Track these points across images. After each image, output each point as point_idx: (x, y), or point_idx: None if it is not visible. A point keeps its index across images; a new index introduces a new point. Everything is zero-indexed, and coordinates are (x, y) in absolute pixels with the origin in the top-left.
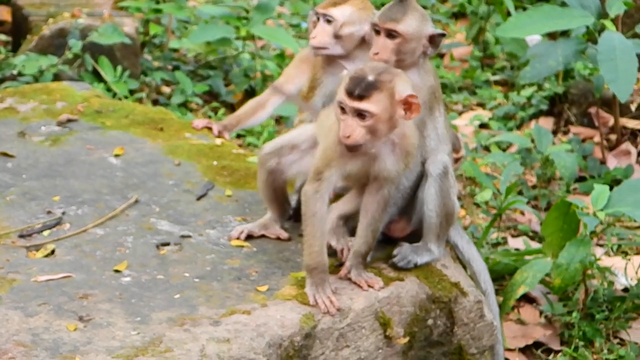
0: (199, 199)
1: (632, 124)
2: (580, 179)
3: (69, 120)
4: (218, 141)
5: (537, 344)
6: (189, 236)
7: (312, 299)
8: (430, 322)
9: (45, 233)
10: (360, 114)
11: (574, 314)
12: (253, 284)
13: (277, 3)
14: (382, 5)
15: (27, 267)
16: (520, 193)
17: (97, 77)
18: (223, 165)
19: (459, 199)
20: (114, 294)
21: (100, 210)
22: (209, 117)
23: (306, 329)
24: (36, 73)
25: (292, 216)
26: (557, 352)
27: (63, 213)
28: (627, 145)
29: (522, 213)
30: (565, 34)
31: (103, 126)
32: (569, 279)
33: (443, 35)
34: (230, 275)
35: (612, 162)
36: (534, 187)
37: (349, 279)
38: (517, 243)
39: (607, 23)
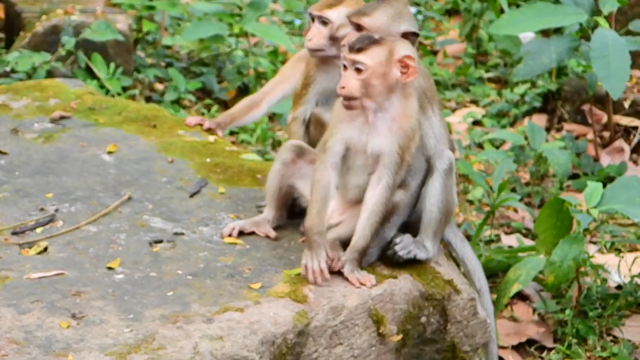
0: (192, 196)
1: (625, 121)
2: (574, 176)
3: (62, 117)
4: (211, 138)
5: (530, 342)
6: (182, 233)
7: (303, 269)
8: (423, 319)
9: (38, 230)
10: (357, 68)
11: (567, 312)
12: (246, 281)
13: (270, 0)
14: None
15: (20, 265)
16: (513, 190)
17: (90, 74)
18: (216, 163)
19: None
20: (107, 292)
21: (93, 207)
22: (202, 114)
23: (299, 327)
24: (29, 70)
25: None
26: (550, 349)
27: (56, 210)
28: (620, 143)
29: (516, 210)
30: (558, 31)
31: (96, 123)
32: (562, 276)
33: (416, 34)
34: (223, 273)
35: (606, 160)
36: (527, 184)
37: (342, 275)
38: (510, 240)
39: (601, 20)
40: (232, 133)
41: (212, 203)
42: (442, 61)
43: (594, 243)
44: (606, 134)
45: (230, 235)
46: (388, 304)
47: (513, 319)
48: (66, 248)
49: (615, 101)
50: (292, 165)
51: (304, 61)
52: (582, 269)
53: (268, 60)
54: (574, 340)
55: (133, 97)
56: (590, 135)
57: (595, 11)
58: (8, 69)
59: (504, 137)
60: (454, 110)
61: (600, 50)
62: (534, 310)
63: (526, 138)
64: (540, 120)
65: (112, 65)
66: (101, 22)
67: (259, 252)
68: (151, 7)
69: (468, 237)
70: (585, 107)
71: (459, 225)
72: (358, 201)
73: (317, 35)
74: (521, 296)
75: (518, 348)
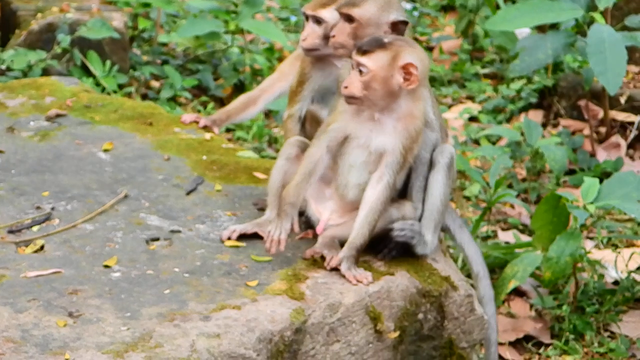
0: (188, 193)
1: (621, 116)
2: (570, 172)
3: (58, 115)
4: (207, 136)
5: (527, 338)
6: (179, 231)
7: (265, 235)
8: (420, 316)
9: (35, 228)
10: (361, 69)
11: (565, 307)
12: (243, 278)
13: None
14: None
15: (17, 263)
16: (510, 186)
17: (86, 71)
18: (212, 160)
19: None
20: (103, 290)
21: (89, 205)
22: (198, 111)
23: (296, 324)
24: (25, 68)
25: None
26: (547, 345)
27: (52, 208)
28: (616, 138)
29: (512, 206)
30: (554, 26)
31: (92, 121)
32: (559, 272)
33: (406, 23)
34: (220, 270)
35: (602, 155)
36: (523, 180)
37: (339, 272)
38: (507, 236)
39: (596, 16)
40: (228, 130)
41: (209, 200)
42: (438, 57)
43: (591, 239)
44: (602, 130)
45: (229, 239)
46: (385, 300)
47: (510, 315)
48: (62, 246)
49: (612, 97)
50: (296, 161)
51: (300, 59)
52: (579, 265)
53: (264, 57)
54: (571, 336)
55: (129, 95)
56: (586, 131)
57: (591, 7)
58: (4, 67)
59: (500, 133)
60: (450, 107)
61: (597, 45)
62: (531, 306)
63: (522, 134)
64: (536, 116)
65: (108, 62)
66: (97, 19)
67: (256, 249)
68: (147, 5)
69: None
70: (582, 102)
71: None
72: (358, 202)
73: (311, 35)
74: (518, 292)
75: (515, 344)
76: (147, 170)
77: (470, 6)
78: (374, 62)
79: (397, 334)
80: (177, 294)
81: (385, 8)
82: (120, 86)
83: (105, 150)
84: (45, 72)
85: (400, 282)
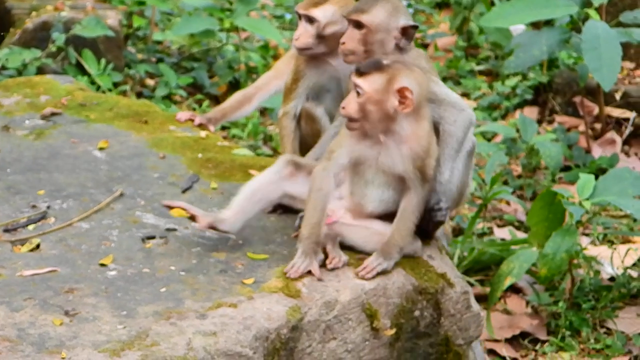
0: (184, 191)
1: (616, 112)
2: (566, 168)
3: (53, 114)
4: (203, 133)
5: (523, 334)
6: (175, 229)
7: (290, 267)
8: (417, 313)
9: (30, 227)
10: (358, 91)
11: (561, 304)
12: (239, 276)
13: None
14: None
15: (12, 262)
16: (505, 183)
17: (81, 70)
18: (208, 158)
19: None
20: (99, 288)
21: (85, 204)
22: (194, 109)
23: (293, 322)
24: (20, 66)
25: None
26: (543, 342)
27: (48, 207)
28: (612, 134)
29: (508, 203)
30: (549, 23)
31: (87, 119)
32: (555, 268)
33: (416, 27)
34: (216, 268)
35: (597, 151)
36: (519, 176)
37: (334, 270)
38: (502, 233)
39: (591, 12)
40: (223, 128)
41: (204, 198)
42: (433, 54)
43: (587, 235)
44: (598, 126)
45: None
46: (381, 298)
47: (506, 312)
48: (58, 245)
49: (607, 93)
50: (288, 179)
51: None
52: (575, 261)
53: (259, 55)
54: (568, 333)
55: (124, 93)
56: (581, 127)
57: (586, 3)
58: None
59: (495, 129)
60: None
61: (591, 42)
62: (527, 302)
63: (518, 130)
64: (531, 112)
65: (103, 61)
66: (91, 18)
67: (252, 247)
68: (141, 3)
69: (461, 230)
70: (577, 99)
71: (451, 219)
72: (376, 212)
73: (304, 34)
74: (514, 289)
75: (511, 341)
76: (143, 169)
77: (465, 3)
78: (369, 84)
79: (393, 331)
80: (173, 292)
81: (393, 13)
82: (115, 84)
83: (101, 149)
84: (40, 70)
85: (397, 279)
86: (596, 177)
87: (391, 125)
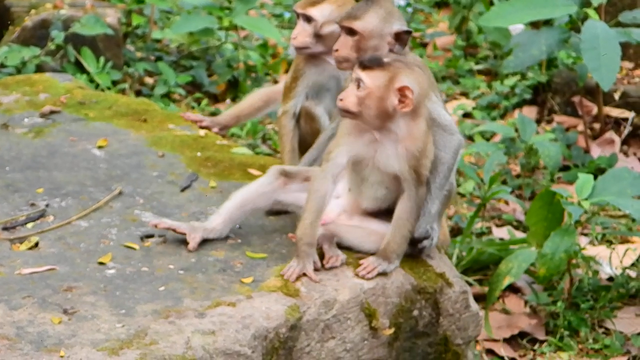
0: (183, 190)
1: (615, 112)
2: (564, 168)
3: (52, 112)
4: (202, 132)
5: (522, 334)
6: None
7: (286, 270)
8: (415, 312)
9: (29, 225)
10: (359, 84)
11: (559, 304)
12: (238, 275)
13: None
14: None
15: (11, 260)
16: (504, 182)
17: (80, 68)
18: (207, 157)
19: None
20: (98, 287)
21: (84, 202)
22: (192, 107)
23: (291, 321)
24: (19, 64)
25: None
26: (542, 341)
27: (47, 205)
28: (610, 134)
29: (507, 202)
30: (548, 22)
31: (86, 118)
32: (553, 268)
33: (409, 32)
34: (215, 267)
35: (596, 151)
36: (517, 176)
37: (333, 270)
38: (501, 233)
39: (590, 12)
40: None
41: (203, 197)
42: (432, 54)
43: (585, 235)
44: (596, 126)
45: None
46: (380, 297)
47: (505, 312)
48: (57, 243)
49: (606, 93)
50: (280, 187)
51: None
52: (574, 261)
53: (258, 54)
54: (566, 333)
55: (123, 91)
56: (580, 127)
57: (585, 2)
58: None
59: (494, 129)
60: (444, 103)
61: (591, 41)
62: (526, 302)
63: (517, 130)
64: (530, 112)
65: (102, 59)
66: (90, 16)
67: (250, 246)
68: (140, 1)
69: (459, 230)
70: (576, 98)
71: (450, 218)
72: (372, 209)
73: (302, 33)
74: (513, 288)
75: (510, 341)
76: (142, 167)
77: (464, 2)
78: (371, 79)
79: (392, 330)
80: (172, 290)
81: (387, 19)
82: (114, 82)
83: (100, 147)
84: (39, 68)
85: (395, 278)
86: (595, 177)
87: (387, 123)
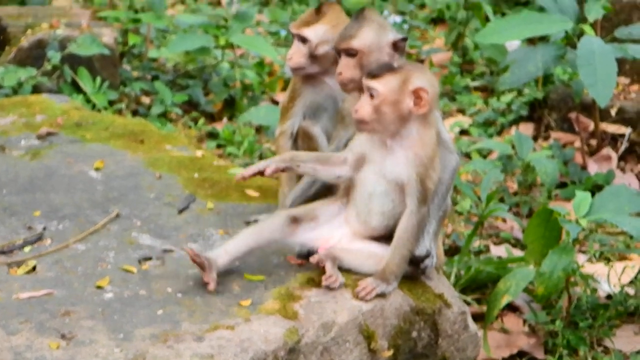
0: (180, 212)
1: (612, 128)
2: (561, 185)
3: (49, 134)
4: (199, 153)
5: (521, 353)
6: (171, 250)
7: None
8: (414, 334)
9: (27, 249)
10: (371, 93)
11: (558, 322)
12: (236, 298)
13: (255, 11)
14: None
15: (8, 284)
16: (501, 200)
17: (77, 88)
18: (204, 178)
19: None
20: (96, 311)
21: (81, 224)
22: (189, 127)
23: (290, 344)
24: (15, 85)
25: None
26: None
27: (44, 228)
28: (607, 150)
29: (504, 220)
30: (544, 39)
31: (83, 139)
32: (552, 287)
33: (405, 39)
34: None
35: (593, 168)
36: (515, 194)
37: (332, 290)
38: (499, 251)
39: (586, 28)
40: (219, 146)
41: (201, 219)
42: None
43: (583, 252)
44: (593, 142)
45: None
46: (379, 319)
47: (503, 331)
48: (55, 267)
49: (602, 109)
50: (289, 234)
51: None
52: (572, 279)
53: (254, 72)
54: (565, 351)
55: (119, 111)
56: (577, 143)
57: (581, 19)
58: None
59: (491, 146)
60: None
61: (587, 57)
62: (525, 321)
63: (513, 147)
64: (527, 128)
65: (99, 79)
66: (87, 35)
67: (248, 269)
68: (137, 20)
69: (457, 248)
70: (572, 115)
71: (447, 236)
72: (379, 229)
73: (296, 54)
74: (511, 307)
75: None
76: (139, 189)
77: (460, 19)
78: (384, 85)
79: (391, 352)
80: (170, 314)
81: (381, 30)
82: (111, 102)
83: (97, 169)
84: (36, 89)
85: (394, 300)
86: (592, 194)
87: (402, 128)
